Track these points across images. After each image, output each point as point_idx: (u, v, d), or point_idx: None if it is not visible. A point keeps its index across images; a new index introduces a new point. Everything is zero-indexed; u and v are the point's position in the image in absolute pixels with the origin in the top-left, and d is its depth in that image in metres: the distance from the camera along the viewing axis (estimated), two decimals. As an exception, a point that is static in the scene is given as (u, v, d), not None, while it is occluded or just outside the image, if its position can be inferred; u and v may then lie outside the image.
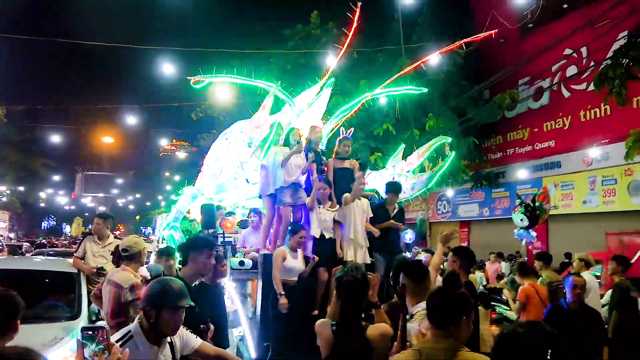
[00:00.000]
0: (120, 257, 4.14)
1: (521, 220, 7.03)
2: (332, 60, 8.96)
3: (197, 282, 3.67)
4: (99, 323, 4.71)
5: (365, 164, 12.48)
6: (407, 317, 2.77)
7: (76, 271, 5.30)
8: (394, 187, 5.95)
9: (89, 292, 5.07)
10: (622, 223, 12.81)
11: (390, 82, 7.63)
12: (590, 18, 10.99)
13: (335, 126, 6.88)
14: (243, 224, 7.59)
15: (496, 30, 8.37)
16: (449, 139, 7.81)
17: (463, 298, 2.23)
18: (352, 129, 6.14)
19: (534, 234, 7.24)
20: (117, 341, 2.26)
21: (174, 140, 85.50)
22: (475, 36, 8.03)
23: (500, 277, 11.12)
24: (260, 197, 6.02)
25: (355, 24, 6.66)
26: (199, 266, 3.20)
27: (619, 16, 9.98)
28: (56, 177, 46.34)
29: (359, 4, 6.60)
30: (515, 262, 12.62)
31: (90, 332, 1.57)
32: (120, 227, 79.34)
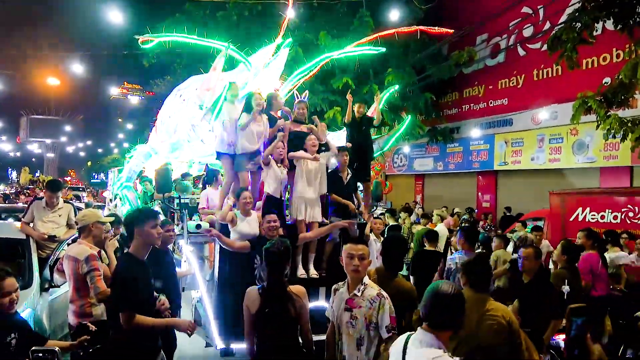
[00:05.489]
0: None
1: None
2: (290, 12, 8.63)
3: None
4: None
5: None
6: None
7: (25, 237, 5.08)
8: (345, 147, 5.80)
9: (39, 259, 4.97)
10: (565, 180, 13.58)
11: (354, 45, 7.57)
12: (549, -21, 11.08)
13: (293, 87, 6.75)
14: (209, 179, 7.06)
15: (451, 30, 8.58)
16: (397, 86, 8.14)
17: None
18: (307, 91, 6.00)
19: None
20: None
21: (125, 82, 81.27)
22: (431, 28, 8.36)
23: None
24: (218, 158, 5.82)
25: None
26: (145, 238, 3.09)
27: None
28: (-3, 122, 43.72)
29: None
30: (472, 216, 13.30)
31: (40, 355, 1.54)
32: (71, 173, 76.55)
